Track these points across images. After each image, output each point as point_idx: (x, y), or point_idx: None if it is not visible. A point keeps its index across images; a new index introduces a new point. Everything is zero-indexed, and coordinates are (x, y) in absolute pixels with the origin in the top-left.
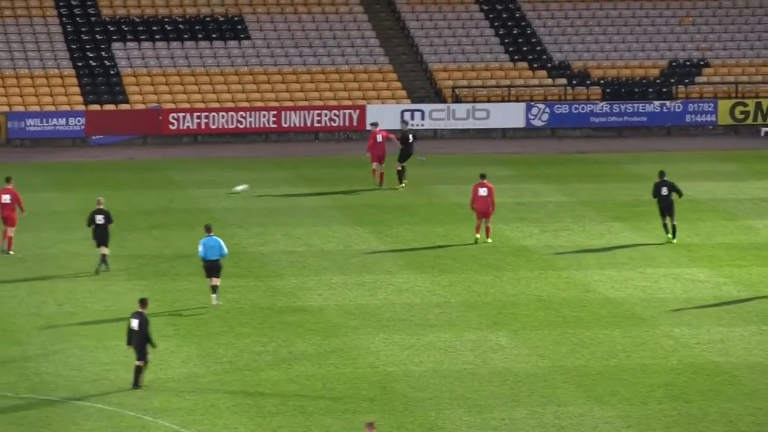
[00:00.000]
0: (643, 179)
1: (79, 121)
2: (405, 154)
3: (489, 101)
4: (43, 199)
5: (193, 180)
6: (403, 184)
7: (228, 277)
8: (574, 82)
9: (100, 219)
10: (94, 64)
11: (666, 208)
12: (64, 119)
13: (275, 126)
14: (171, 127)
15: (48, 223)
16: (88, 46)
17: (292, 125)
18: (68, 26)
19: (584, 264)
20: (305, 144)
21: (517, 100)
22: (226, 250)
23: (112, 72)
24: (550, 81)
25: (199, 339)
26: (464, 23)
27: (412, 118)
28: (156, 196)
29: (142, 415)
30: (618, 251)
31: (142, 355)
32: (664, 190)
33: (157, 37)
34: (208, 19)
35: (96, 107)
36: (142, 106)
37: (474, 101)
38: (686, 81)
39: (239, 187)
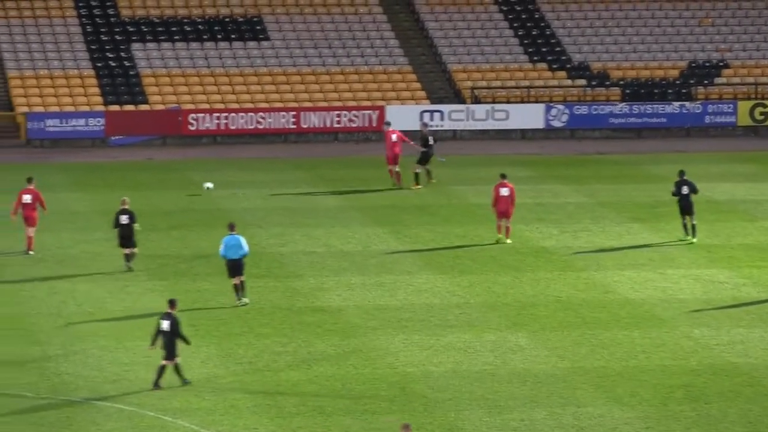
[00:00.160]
0: (662, 180)
1: (98, 122)
2: (425, 156)
3: (508, 102)
4: (63, 199)
5: (213, 181)
6: (420, 185)
7: (247, 278)
8: (594, 83)
9: (124, 219)
10: (113, 64)
11: (686, 208)
12: (83, 120)
13: (294, 127)
14: (190, 127)
15: (67, 223)
16: (107, 47)
17: (312, 126)
18: (88, 27)
19: (604, 265)
20: (324, 144)
21: (536, 101)
22: (247, 248)
23: (131, 72)
24: (569, 82)
25: (219, 339)
26: (483, 24)
27: (432, 119)
28: (175, 197)
29: (162, 416)
30: (637, 252)
31: (171, 356)
32: (685, 189)
33: (176, 37)
34: (227, 19)
35: (115, 108)
36: (161, 107)
37: (493, 102)
38: (706, 82)
39: (207, 185)
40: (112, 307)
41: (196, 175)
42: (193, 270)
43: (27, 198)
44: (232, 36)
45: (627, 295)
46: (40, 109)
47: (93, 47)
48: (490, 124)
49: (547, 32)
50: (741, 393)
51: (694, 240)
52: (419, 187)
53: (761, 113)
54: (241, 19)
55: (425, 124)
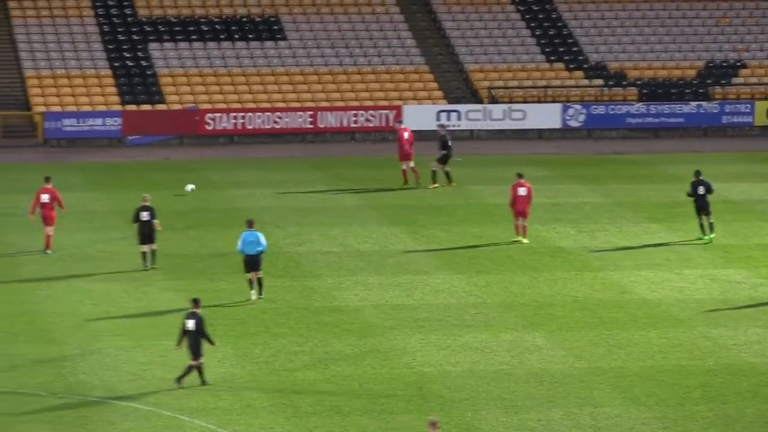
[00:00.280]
0: (679, 180)
1: (115, 122)
2: (445, 158)
3: (525, 102)
4: (80, 199)
5: (230, 180)
6: (438, 184)
7: (264, 277)
8: (611, 82)
9: (145, 216)
10: (130, 64)
11: (702, 207)
12: (100, 119)
13: (311, 126)
14: (207, 127)
15: (84, 222)
16: (124, 47)
17: (328, 126)
18: (105, 26)
19: (621, 265)
20: (341, 144)
21: (553, 101)
22: (265, 244)
23: (148, 72)
24: (586, 82)
25: (236, 339)
26: (500, 24)
27: (448, 118)
28: (192, 197)
29: (179, 415)
30: (654, 252)
31: (197, 355)
32: (701, 189)
33: (193, 37)
34: (244, 19)
35: (132, 107)
36: (178, 107)
37: (510, 102)
38: (723, 82)
39: (189, 187)
40: (129, 307)
41: (213, 174)
42: (210, 269)
43: (45, 197)
44: (250, 36)
45: (644, 295)
46: (57, 108)
47: (110, 47)
48: (507, 124)
49: (564, 32)
50: (758, 393)
51: (712, 235)
52: (437, 185)
53: None
54: (258, 19)
55: (442, 125)
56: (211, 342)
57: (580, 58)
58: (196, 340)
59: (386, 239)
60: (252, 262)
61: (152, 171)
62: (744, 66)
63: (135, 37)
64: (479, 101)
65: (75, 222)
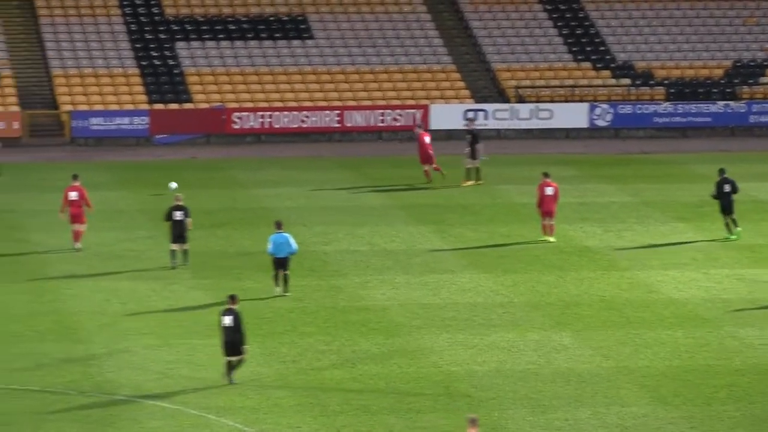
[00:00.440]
0: (707, 180)
1: (143, 120)
2: (475, 152)
3: (552, 101)
4: (107, 198)
5: (257, 179)
6: (471, 181)
7: (291, 277)
8: (638, 82)
9: (178, 215)
10: (157, 63)
11: (727, 206)
12: (128, 118)
13: (338, 125)
14: (234, 126)
15: (111, 221)
16: (151, 46)
17: (356, 125)
18: (132, 25)
19: (648, 264)
20: (368, 143)
21: (580, 100)
22: (295, 246)
23: (175, 71)
24: (613, 81)
25: (263, 338)
26: (527, 23)
27: (475, 117)
28: (219, 196)
29: (206, 414)
30: (681, 252)
31: (234, 351)
32: (727, 188)
33: (220, 36)
34: (271, 18)
35: (160, 106)
36: (205, 106)
37: (537, 101)
38: (750, 81)
39: (171, 185)
40: (156, 305)
41: (240, 174)
42: (237, 268)
43: (73, 195)
44: (277, 35)
45: (671, 294)
46: (85, 107)
47: (137, 46)
48: (534, 124)
49: (592, 31)
50: None
51: (739, 229)
52: (470, 183)
53: None
54: (285, 18)
55: (471, 120)
56: (243, 341)
57: (608, 57)
58: (233, 336)
59: (413, 238)
60: (282, 263)
61: (179, 170)
62: None
63: (162, 36)
64: (506, 100)
65: (102, 221)
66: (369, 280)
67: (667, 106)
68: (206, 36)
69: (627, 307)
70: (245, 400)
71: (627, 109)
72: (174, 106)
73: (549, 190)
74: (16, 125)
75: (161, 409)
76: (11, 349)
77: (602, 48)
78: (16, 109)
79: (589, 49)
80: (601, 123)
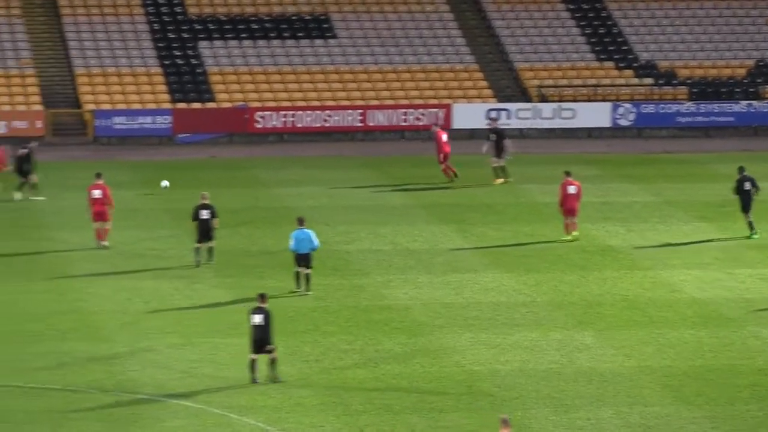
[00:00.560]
0: (729, 179)
1: (166, 120)
2: (500, 150)
3: (575, 101)
4: (130, 196)
5: (279, 179)
6: (502, 179)
7: (313, 276)
8: (661, 81)
9: (204, 214)
10: (180, 62)
11: (747, 204)
12: (150, 117)
13: (361, 125)
14: (257, 125)
15: (134, 220)
16: (174, 45)
17: (378, 124)
18: (155, 24)
19: (670, 264)
20: (391, 143)
21: (603, 100)
22: (317, 242)
23: (198, 70)
24: (636, 81)
25: (285, 337)
26: (550, 22)
27: (498, 117)
28: (242, 195)
29: (228, 413)
30: (704, 251)
31: (261, 349)
32: (747, 185)
33: (243, 35)
34: (294, 17)
35: (183, 105)
36: (228, 105)
37: (560, 101)
38: None
39: (163, 183)
40: (179, 304)
41: (263, 173)
42: (260, 267)
43: (96, 193)
44: (299, 34)
45: (694, 294)
46: (108, 106)
47: (160, 45)
48: (557, 123)
49: (614, 30)
50: None
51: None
52: (501, 180)
53: None
54: (308, 17)
55: (494, 119)
56: (270, 340)
57: (630, 56)
58: (263, 334)
59: (436, 238)
60: (303, 259)
61: (202, 169)
62: None
63: (185, 35)
64: (529, 100)
65: (124, 219)
66: (391, 280)
67: (689, 106)
68: (229, 35)
69: (650, 306)
70: (268, 399)
71: (650, 108)
72: (197, 105)
73: (572, 189)
74: (39, 124)
75: (184, 408)
76: (33, 347)
77: (625, 47)
78: (39, 108)
79: (611, 48)
80: (623, 122)
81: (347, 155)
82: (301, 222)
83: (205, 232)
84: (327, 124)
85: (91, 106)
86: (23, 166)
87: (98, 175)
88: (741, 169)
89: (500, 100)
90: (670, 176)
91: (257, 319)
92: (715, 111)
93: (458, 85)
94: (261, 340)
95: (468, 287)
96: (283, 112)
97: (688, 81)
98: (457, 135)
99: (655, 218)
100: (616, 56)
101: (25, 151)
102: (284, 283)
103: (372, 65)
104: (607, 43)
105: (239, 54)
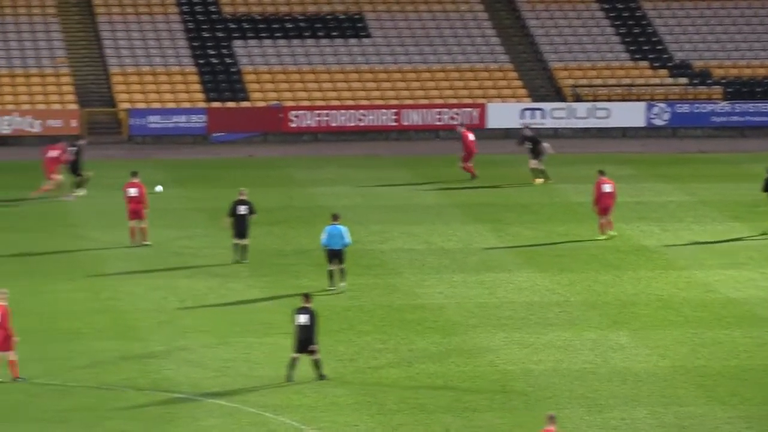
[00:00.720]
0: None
1: (200, 119)
2: (537, 152)
3: (609, 100)
4: (164, 196)
5: (313, 178)
6: (541, 179)
7: (348, 275)
8: (695, 81)
9: (242, 210)
10: (215, 61)
11: None
12: (185, 116)
13: (395, 124)
14: (291, 124)
15: (168, 219)
16: (209, 44)
17: (412, 123)
18: (189, 23)
19: (705, 264)
20: (425, 142)
21: (637, 99)
22: (349, 239)
23: (233, 69)
24: (671, 80)
25: (320, 336)
26: (585, 22)
27: (533, 116)
28: (276, 194)
29: (263, 412)
30: (739, 251)
31: (305, 349)
32: None
33: (277, 34)
34: (328, 17)
35: (217, 104)
36: (262, 104)
37: (594, 100)
38: None
39: (157, 188)
40: (213, 303)
41: (297, 172)
42: (294, 266)
43: (132, 191)
44: (334, 33)
45: (728, 294)
46: (142, 105)
47: (195, 44)
48: (592, 122)
49: (649, 30)
50: None
51: None
52: (541, 181)
53: None
54: (342, 17)
55: (526, 126)
56: (314, 339)
57: (665, 56)
58: (308, 334)
59: (470, 237)
60: (335, 255)
61: (236, 168)
62: None
63: (219, 34)
64: (563, 99)
65: (159, 218)
66: (425, 279)
67: (724, 105)
68: (263, 34)
69: (684, 306)
70: (302, 398)
71: (684, 108)
72: (231, 104)
73: (607, 187)
74: (74, 123)
75: (219, 407)
76: (69, 346)
77: (659, 47)
78: (74, 107)
79: (646, 47)
80: (658, 122)
81: (381, 155)
82: (335, 218)
83: (241, 229)
84: (361, 124)
85: (126, 105)
86: (75, 164)
87: (134, 174)
88: None
89: (534, 100)
90: (705, 176)
91: (302, 318)
92: (750, 111)
93: (492, 84)
94: (305, 340)
95: (502, 287)
96: (318, 112)
97: (723, 80)
98: (491, 135)
99: (689, 218)
100: (650, 56)
101: (74, 149)
102: (318, 283)
103: (406, 65)
104: (642, 42)
105: (273, 53)
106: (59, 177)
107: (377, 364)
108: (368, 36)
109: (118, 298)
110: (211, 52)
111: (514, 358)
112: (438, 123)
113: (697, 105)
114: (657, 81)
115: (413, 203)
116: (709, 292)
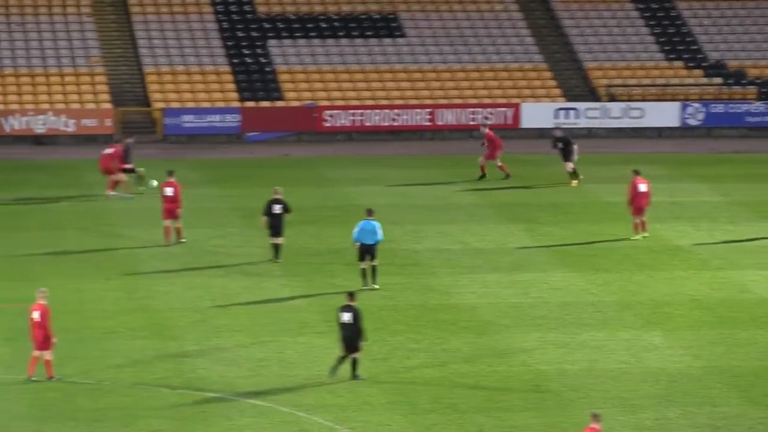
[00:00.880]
0: None
1: (234, 118)
2: (568, 154)
3: (644, 100)
4: (199, 195)
5: (347, 177)
6: (577, 181)
7: (382, 275)
8: (730, 81)
9: (277, 209)
10: (249, 61)
11: None
12: (219, 116)
13: (429, 124)
14: (325, 124)
15: (203, 219)
16: (243, 43)
17: (447, 123)
18: (224, 23)
19: (739, 264)
20: (459, 142)
21: (672, 99)
22: (381, 235)
23: (267, 69)
24: (705, 80)
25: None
26: (619, 22)
27: (567, 116)
28: (310, 193)
29: (296, 411)
30: None
31: (352, 348)
32: None
33: (312, 34)
34: (363, 16)
35: (251, 104)
36: (297, 103)
37: (629, 100)
38: None
39: (152, 183)
40: (247, 302)
41: (331, 171)
42: (328, 265)
43: (169, 191)
44: (368, 33)
45: (763, 294)
46: (177, 104)
47: (229, 44)
48: (626, 122)
49: (683, 30)
50: None
51: None
52: (576, 183)
53: None
54: (376, 16)
55: (557, 127)
56: (362, 337)
57: (699, 56)
58: (351, 332)
59: (504, 237)
60: (367, 252)
61: (270, 167)
62: None
63: (254, 33)
64: (597, 99)
65: (193, 218)
66: (459, 279)
67: (759, 105)
68: (298, 34)
69: (719, 306)
70: (336, 398)
71: (719, 108)
72: (265, 103)
73: (643, 187)
74: (108, 122)
75: (252, 407)
76: (104, 345)
77: (694, 47)
78: (108, 106)
79: (681, 47)
80: (692, 122)
81: (415, 154)
82: (370, 213)
83: (276, 228)
84: (395, 123)
85: (161, 105)
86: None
87: (170, 173)
88: None
89: (568, 100)
90: (739, 176)
91: (346, 317)
92: None
93: (527, 84)
94: (349, 338)
95: (536, 287)
96: (352, 111)
97: (758, 80)
98: (525, 134)
99: (723, 218)
100: (685, 55)
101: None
102: (352, 282)
103: (440, 64)
104: (676, 42)
105: (308, 53)
106: (122, 175)
107: (410, 364)
108: (402, 36)
109: (152, 297)
110: (246, 51)
111: (548, 358)
112: (472, 123)
113: (731, 105)
114: (691, 81)
115: (447, 203)
116: (743, 292)
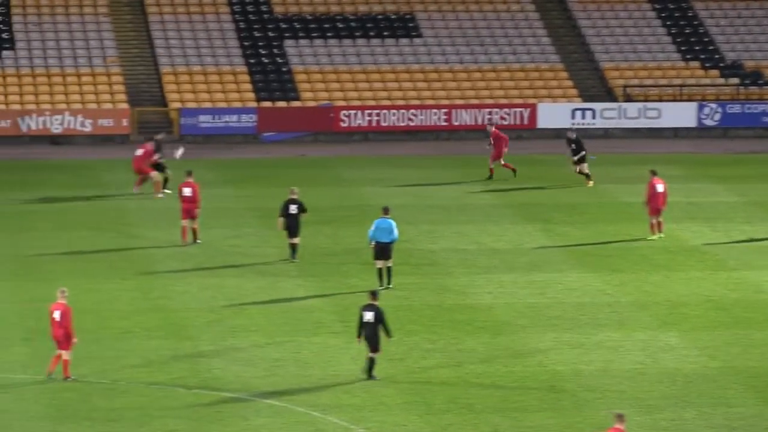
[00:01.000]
0: None
1: (251, 118)
2: (584, 156)
3: (660, 100)
4: (215, 195)
5: (364, 177)
6: (592, 182)
7: (397, 275)
8: (747, 81)
9: (293, 209)
10: (266, 61)
11: None
12: (236, 116)
13: (446, 124)
14: (342, 124)
15: (219, 219)
16: (260, 44)
17: (463, 123)
18: (241, 23)
19: (756, 265)
20: (476, 142)
21: (688, 100)
22: (396, 234)
23: (283, 69)
24: (722, 80)
25: None
26: (636, 22)
27: (583, 117)
28: (326, 193)
29: (312, 411)
30: None
31: (376, 347)
32: None
33: (328, 34)
34: (379, 17)
35: (268, 104)
36: (313, 104)
37: (645, 100)
38: None
39: (178, 153)
40: (263, 302)
41: (347, 171)
42: (344, 266)
43: (187, 191)
44: (385, 33)
45: None
46: (193, 105)
47: (246, 44)
48: (642, 123)
49: (700, 30)
50: None
51: None
52: (591, 183)
53: None
54: (393, 17)
55: (571, 128)
56: (388, 334)
57: (716, 56)
58: (374, 332)
59: (520, 237)
60: (383, 251)
61: (286, 168)
62: None
63: (270, 34)
64: (614, 99)
65: (209, 218)
66: (475, 279)
67: None
68: (315, 34)
69: (735, 307)
70: (351, 398)
71: (736, 108)
72: (282, 104)
73: (660, 187)
74: (125, 122)
75: (268, 407)
76: (119, 344)
77: (711, 47)
78: (125, 106)
79: (697, 48)
80: (709, 122)
81: (432, 154)
82: (386, 211)
83: (292, 228)
84: (412, 124)
85: (177, 105)
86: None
87: (189, 174)
88: None
89: (585, 100)
90: (756, 176)
91: (368, 315)
92: None
93: (543, 84)
94: (371, 337)
95: (552, 287)
96: (368, 111)
97: None
98: (541, 135)
99: (740, 218)
100: (702, 56)
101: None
102: (368, 282)
103: (457, 64)
104: (693, 42)
105: (324, 53)
106: (154, 173)
107: (426, 364)
108: (419, 36)
109: (168, 297)
110: (262, 51)
111: (564, 358)
112: (489, 123)
113: (748, 105)
114: (708, 81)
115: (463, 203)
116: (759, 293)
